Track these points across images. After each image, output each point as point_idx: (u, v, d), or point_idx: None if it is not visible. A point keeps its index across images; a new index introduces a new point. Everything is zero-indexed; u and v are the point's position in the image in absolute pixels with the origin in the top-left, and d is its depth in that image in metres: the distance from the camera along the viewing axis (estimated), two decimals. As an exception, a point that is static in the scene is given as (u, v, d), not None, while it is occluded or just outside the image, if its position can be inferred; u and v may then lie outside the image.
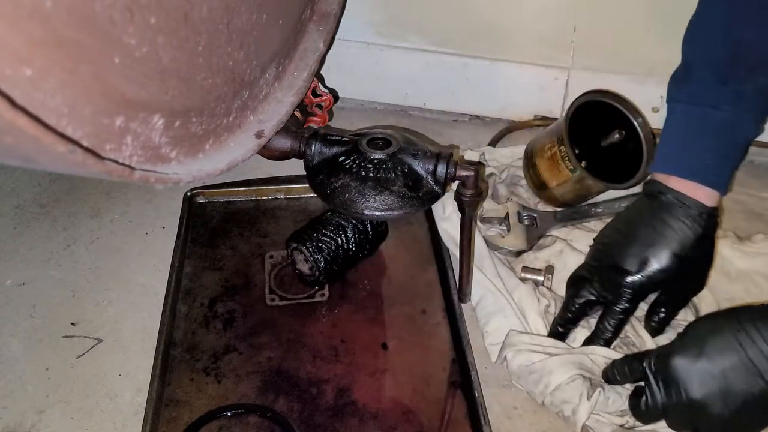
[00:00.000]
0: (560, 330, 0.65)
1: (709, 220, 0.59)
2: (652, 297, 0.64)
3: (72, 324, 0.70)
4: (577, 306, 0.64)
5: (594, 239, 0.66)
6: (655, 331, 0.65)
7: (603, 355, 0.61)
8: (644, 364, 0.55)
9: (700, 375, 0.51)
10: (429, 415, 0.61)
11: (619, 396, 0.59)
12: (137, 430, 0.58)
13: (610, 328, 0.62)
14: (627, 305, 0.61)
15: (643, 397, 0.55)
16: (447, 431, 0.61)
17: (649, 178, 0.65)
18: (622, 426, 0.59)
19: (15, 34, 0.29)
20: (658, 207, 0.60)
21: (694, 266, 0.62)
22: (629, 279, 0.60)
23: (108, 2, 0.34)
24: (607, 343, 0.62)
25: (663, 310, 0.64)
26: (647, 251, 0.60)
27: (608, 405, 0.59)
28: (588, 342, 0.64)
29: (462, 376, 0.64)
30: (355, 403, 0.62)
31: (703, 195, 0.59)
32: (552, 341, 0.64)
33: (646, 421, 0.57)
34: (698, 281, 0.64)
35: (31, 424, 0.61)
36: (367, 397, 0.63)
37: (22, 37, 0.29)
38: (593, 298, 0.63)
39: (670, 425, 0.55)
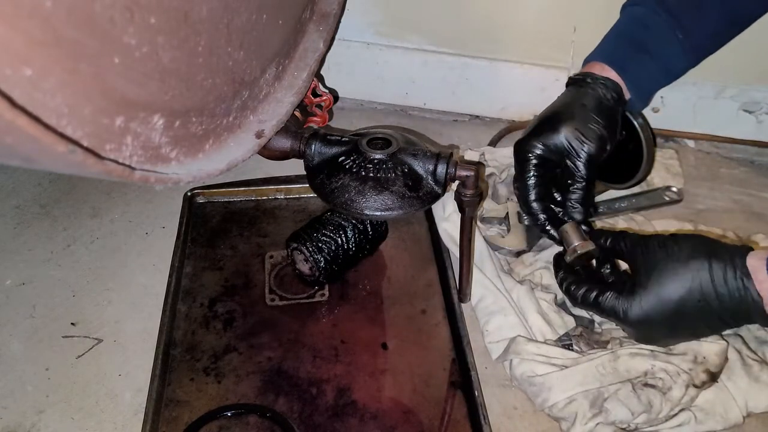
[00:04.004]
0: (542, 219, 0.66)
1: (607, 86, 0.66)
2: None
3: (72, 324, 0.70)
4: (532, 169, 0.65)
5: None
6: (582, 213, 0.65)
7: (612, 365, 0.61)
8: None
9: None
10: (429, 415, 0.61)
11: (627, 410, 0.58)
12: (137, 430, 0.58)
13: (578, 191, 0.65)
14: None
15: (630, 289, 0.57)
16: (447, 431, 0.61)
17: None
18: (624, 429, 0.59)
19: (15, 34, 0.29)
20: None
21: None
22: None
23: (108, 2, 0.34)
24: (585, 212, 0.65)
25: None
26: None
27: (609, 418, 0.58)
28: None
29: (462, 376, 0.64)
30: (355, 403, 0.62)
31: (604, 70, 0.67)
32: (560, 351, 0.63)
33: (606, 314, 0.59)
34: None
35: (31, 424, 0.61)
36: (367, 397, 0.63)
37: (22, 37, 0.29)
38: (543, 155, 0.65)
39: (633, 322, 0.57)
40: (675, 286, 0.54)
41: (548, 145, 0.65)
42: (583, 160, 0.64)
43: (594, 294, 0.59)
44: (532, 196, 0.66)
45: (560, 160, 0.65)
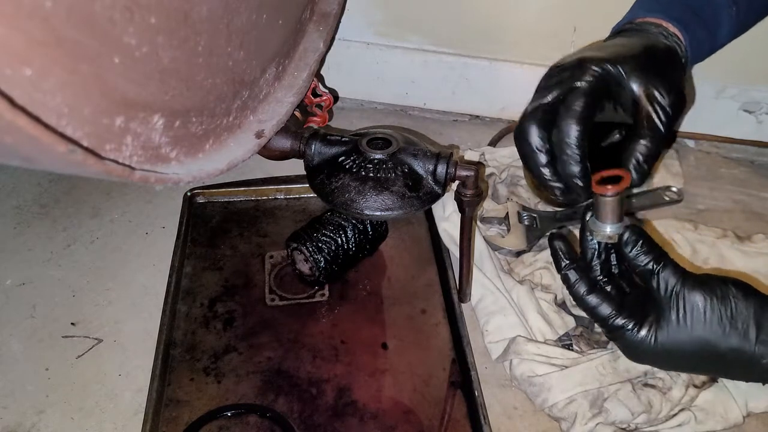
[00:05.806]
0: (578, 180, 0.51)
1: (670, 38, 0.58)
2: None
3: (72, 324, 0.70)
4: (588, 85, 0.50)
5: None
6: (641, 175, 0.52)
7: (612, 365, 0.61)
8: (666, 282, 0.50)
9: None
10: (429, 415, 0.61)
11: (626, 410, 0.58)
12: (137, 430, 0.58)
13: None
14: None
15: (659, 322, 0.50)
16: (447, 431, 0.61)
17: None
18: (624, 429, 0.59)
19: (15, 34, 0.29)
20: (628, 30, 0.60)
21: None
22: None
23: (108, 2, 0.34)
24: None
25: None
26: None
27: (609, 418, 0.58)
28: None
29: (462, 376, 0.64)
30: (355, 403, 0.62)
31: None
32: (560, 351, 0.63)
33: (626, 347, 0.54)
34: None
35: (31, 424, 0.61)
36: (367, 397, 0.63)
37: (22, 37, 0.29)
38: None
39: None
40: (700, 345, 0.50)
41: (613, 75, 0.50)
42: (667, 107, 0.49)
43: (608, 312, 0.52)
44: (576, 127, 0.48)
45: (617, 103, 0.52)
